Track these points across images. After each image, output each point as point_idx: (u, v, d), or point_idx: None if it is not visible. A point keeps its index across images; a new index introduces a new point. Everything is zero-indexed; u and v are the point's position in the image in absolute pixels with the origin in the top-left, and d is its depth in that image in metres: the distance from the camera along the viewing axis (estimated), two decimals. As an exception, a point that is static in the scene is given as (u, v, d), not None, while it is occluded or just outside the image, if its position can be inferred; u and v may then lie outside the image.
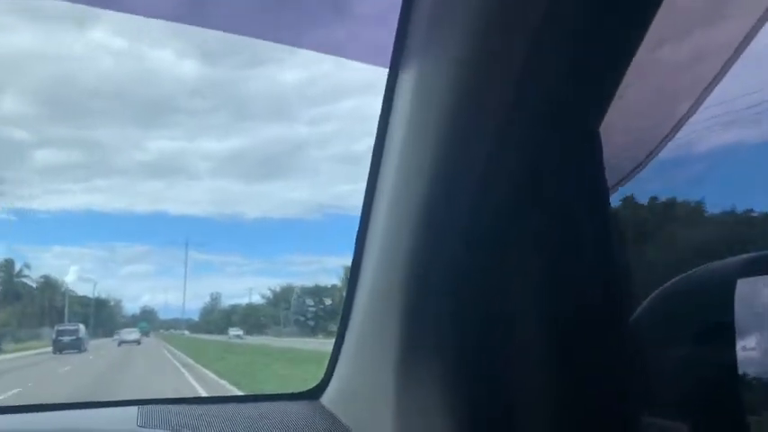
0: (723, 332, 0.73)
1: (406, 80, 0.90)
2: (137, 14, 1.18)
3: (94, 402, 1.35)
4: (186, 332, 31.04)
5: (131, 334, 23.50)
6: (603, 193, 0.77)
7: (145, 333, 28.38)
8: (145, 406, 1.23)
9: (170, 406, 1.24)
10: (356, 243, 1.12)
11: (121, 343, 22.10)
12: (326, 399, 1.27)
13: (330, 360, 1.26)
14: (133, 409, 1.21)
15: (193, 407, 1.24)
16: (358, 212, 1.12)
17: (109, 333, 25.90)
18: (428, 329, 0.91)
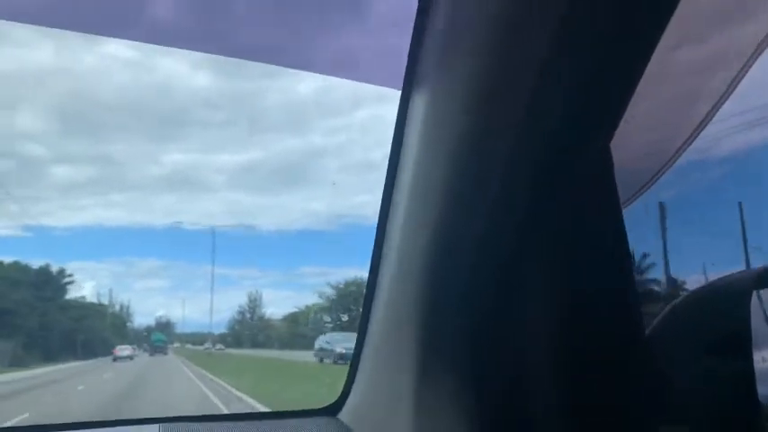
0: (739, 344, 0.72)
1: (419, 100, 0.91)
2: (148, 43, 1.22)
3: (115, 421, 1.36)
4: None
5: (124, 351, 20.20)
6: (616, 207, 0.78)
7: (161, 349, 22.44)
8: (166, 423, 1.24)
9: (190, 423, 1.25)
10: (372, 260, 1.13)
11: (116, 359, 19.08)
12: (345, 415, 1.27)
13: (348, 376, 1.26)
14: (154, 428, 1.23)
15: (214, 424, 1.26)
16: (374, 222, 1.12)
17: (106, 351, 19.44)
18: (444, 345, 0.91)
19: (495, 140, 0.77)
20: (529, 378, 0.82)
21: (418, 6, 0.86)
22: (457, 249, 0.87)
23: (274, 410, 1.35)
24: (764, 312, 0.73)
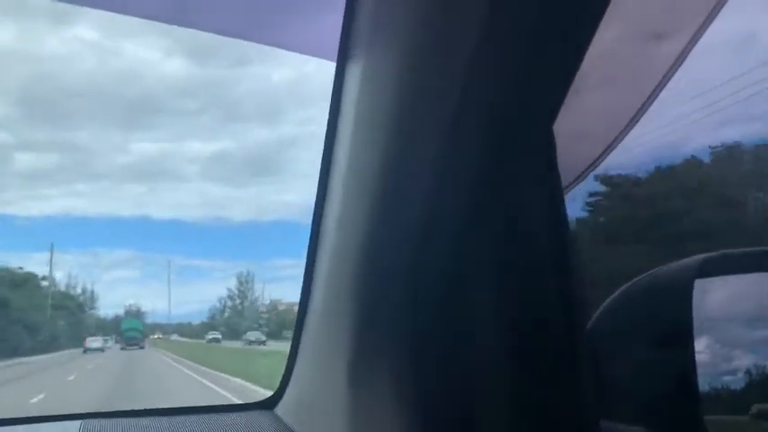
0: (681, 334, 0.72)
1: (353, 75, 0.87)
2: (120, 13, 1.15)
3: (37, 417, 1.30)
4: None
5: (94, 342, 18.52)
6: (558, 192, 0.76)
7: (134, 341, 18.59)
8: (88, 420, 1.19)
9: (114, 419, 1.19)
10: (308, 251, 1.09)
11: (86, 351, 18.15)
12: (281, 409, 1.24)
13: (285, 369, 1.23)
14: (76, 424, 1.18)
15: (139, 420, 1.20)
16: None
17: (72, 342, 18.47)
18: (381, 337, 0.88)
19: (432, 122, 0.74)
20: (468, 373, 0.80)
21: None
22: (393, 238, 0.84)
23: (208, 405, 1.30)
24: (705, 302, 0.73)
